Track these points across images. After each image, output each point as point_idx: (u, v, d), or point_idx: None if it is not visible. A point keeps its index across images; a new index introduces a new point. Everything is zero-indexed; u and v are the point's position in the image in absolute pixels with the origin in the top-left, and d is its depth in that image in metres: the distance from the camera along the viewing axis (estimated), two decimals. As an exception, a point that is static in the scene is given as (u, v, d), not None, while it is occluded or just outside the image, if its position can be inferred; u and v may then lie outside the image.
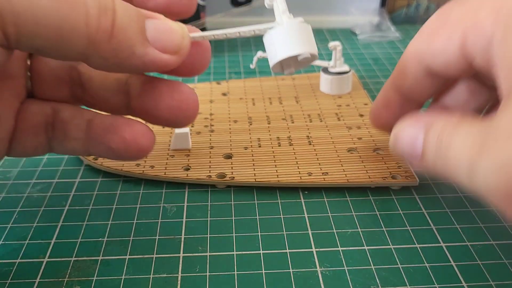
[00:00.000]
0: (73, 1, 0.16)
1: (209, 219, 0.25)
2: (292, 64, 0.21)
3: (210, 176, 0.27)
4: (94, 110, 0.22)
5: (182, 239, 0.24)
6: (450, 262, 0.22)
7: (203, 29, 0.46)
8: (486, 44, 0.19)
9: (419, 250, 0.23)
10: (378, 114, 0.27)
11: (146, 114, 0.21)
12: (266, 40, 0.20)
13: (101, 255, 0.23)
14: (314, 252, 0.23)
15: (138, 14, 0.18)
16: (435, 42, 0.22)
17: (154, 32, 0.18)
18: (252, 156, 0.29)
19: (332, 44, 0.36)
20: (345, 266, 0.22)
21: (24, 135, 0.22)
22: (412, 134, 0.21)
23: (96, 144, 0.21)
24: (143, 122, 0.21)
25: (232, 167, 0.28)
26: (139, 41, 0.18)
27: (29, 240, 0.24)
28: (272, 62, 0.20)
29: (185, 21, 0.20)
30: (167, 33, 0.18)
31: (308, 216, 0.25)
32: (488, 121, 0.17)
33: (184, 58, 0.19)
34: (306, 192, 0.27)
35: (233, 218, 0.25)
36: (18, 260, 0.22)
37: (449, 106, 0.25)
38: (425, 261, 0.22)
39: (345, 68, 0.36)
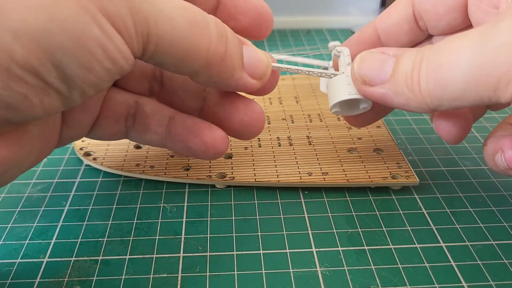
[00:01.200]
0: (202, 27, 0.18)
1: (209, 219, 0.25)
2: (346, 109, 0.24)
3: (210, 176, 0.27)
4: (172, 108, 0.24)
5: (182, 239, 0.24)
6: (450, 262, 0.22)
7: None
8: None
9: (419, 250, 0.23)
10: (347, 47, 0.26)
11: (217, 121, 0.23)
12: (330, 83, 0.24)
13: (101, 255, 0.23)
14: (314, 252, 0.23)
15: (239, 41, 0.20)
16: None
17: (248, 59, 0.21)
18: (252, 156, 0.29)
19: (332, 44, 0.36)
20: (345, 266, 0.22)
21: (106, 122, 0.24)
22: (381, 58, 0.21)
23: (175, 141, 0.23)
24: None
25: (232, 167, 0.28)
26: (239, 66, 0.20)
27: (29, 240, 0.24)
28: (334, 101, 0.23)
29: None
30: (257, 61, 0.21)
31: (308, 216, 0.25)
32: (485, 28, 0.18)
33: (265, 83, 0.22)
34: (306, 192, 0.27)
35: (233, 218, 0.25)
36: (18, 260, 0.22)
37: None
38: (425, 261, 0.22)
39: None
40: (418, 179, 0.27)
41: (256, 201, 0.26)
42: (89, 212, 0.26)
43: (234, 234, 0.24)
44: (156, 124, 0.23)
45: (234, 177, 0.27)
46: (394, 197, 0.27)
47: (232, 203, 0.26)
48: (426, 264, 0.22)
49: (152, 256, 0.23)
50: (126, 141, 0.30)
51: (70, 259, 0.23)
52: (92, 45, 0.15)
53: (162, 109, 0.24)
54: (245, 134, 0.24)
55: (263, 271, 0.22)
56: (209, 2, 0.23)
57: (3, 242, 0.23)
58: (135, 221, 0.25)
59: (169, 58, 0.18)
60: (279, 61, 0.42)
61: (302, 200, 0.26)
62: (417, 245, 0.23)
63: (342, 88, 0.23)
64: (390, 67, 0.21)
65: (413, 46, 0.25)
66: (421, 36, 0.25)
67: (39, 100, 0.16)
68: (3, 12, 0.14)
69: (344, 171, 0.27)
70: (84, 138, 0.30)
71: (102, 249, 0.23)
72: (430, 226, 0.24)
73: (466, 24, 0.24)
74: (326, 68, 0.37)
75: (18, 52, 0.15)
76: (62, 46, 0.15)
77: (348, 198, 0.26)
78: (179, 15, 0.18)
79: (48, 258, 0.23)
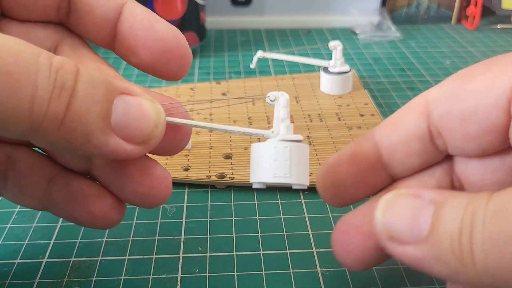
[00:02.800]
0: (18, 81, 0.13)
1: (209, 219, 0.25)
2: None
3: (210, 176, 0.27)
4: (56, 164, 0.19)
5: (182, 239, 0.24)
6: (451, 263, 0.22)
7: (201, 32, 0.46)
8: None
9: (420, 251, 0.23)
10: (334, 169, 0.20)
11: (108, 188, 0.19)
12: (253, 150, 0.18)
13: (100, 256, 0.23)
14: (314, 252, 0.23)
15: (106, 92, 0.15)
16: (471, 81, 0.17)
17: (121, 116, 0.15)
18: (252, 156, 0.29)
19: (332, 43, 0.35)
20: (345, 266, 0.22)
21: None
22: (415, 205, 0.16)
23: (57, 209, 0.19)
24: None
25: (232, 167, 0.28)
26: (98, 129, 0.15)
27: (28, 240, 0.24)
28: (253, 179, 0.18)
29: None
30: (137, 119, 0.16)
31: (308, 216, 0.25)
32: None
33: (153, 148, 0.16)
34: (306, 192, 0.27)
35: (233, 218, 0.25)
36: (18, 261, 0.22)
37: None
38: (425, 262, 0.22)
39: (346, 68, 0.36)
40: (418, 179, 0.26)
41: (256, 201, 0.26)
42: (88, 212, 0.25)
43: (234, 234, 0.24)
44: (34, 186, 0.19)
45: (234, 177, 0.27)
46: (394, 197, 0.26)
47: (232, 203, 0.26)
48: (427, 265, 0.22)
49: (151, 256, 0.23)
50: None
51: (69, 259, 0.22)
52: None
53: (41, 168, 0.19)
54: (143, 205, 0.19)
55: (263, 272, 0.22)
56: (104, 32, 0.18)
57: (3, 243, 0.23)
58: (134, 222, 0.25)
59: None
60: (279, 61, 0.42)
61: (302, 200, 0.26)
62: (417, 246, 0.23)
63: (267, 162, 0.18)
64: (428, 219, 0.15)
65: (427, 167, 0.19)
66: (437, 157, 0.19)
67: None
68: None
69: (344, 171, 0.27)
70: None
71: (102, 250, 0.23)
72: (431, 226, 0.24)
73: (504, 146, 0.17)
74: (326, 68, 0.37)
75: None
76: None
77: (348, 198, 0.26)
78: None
79: (47, 258, 0.23)
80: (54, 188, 0.19)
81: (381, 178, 0.19)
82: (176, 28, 0.18)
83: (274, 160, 0.18)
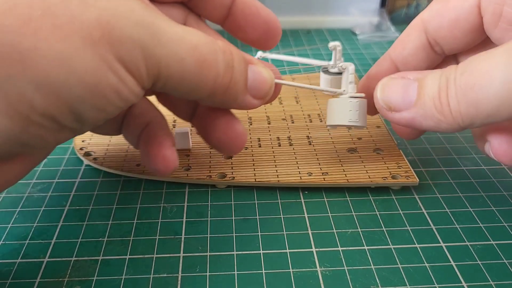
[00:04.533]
0: (210, 65, 0.19)
1: (209, 219, 0.25)
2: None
3: (210, 176, 0.27)
4: (156, 113, 0.24)
5: (182, 239, 0.24)
6: (450, 262, 0.22)
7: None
8: None
9: (419, 250, 0.23)
10: (367, 84, 0.27)
11: (201, 133, 0.24)
12: (333, 102, 0.25)
13: (101, 255, 0.23)
14: (314, 252, 0.23)
15: (245, 65, 0.21)
16: (449, 1, 0.24)
17: (252, 82, 0.21)
18: (252, 156, 0.29)
19: (332, 44, 0.35)
20: (345, 266, 0.22)
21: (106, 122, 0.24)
22: (404, 82, 0.22)
23: (140, 147, 0.23)
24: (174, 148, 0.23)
25: (232, 167, 0.28)
26: (242, 91, 0.21)
27: (29, 240, 0.24)
28: (334, 122, 0.25)
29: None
30: (261, 83, 0.21)
31: (308, 216, 0.25)
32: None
33: (267, 101, 0.22)
34: (306, 192, 0.27)
35: (233, 218, 0.25)
36: (19, 260, 0.22)
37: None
38: (425, 261, 0.22)
39: (345, 68, 0.36)
40: (418, 179, 0.27)
41: (256, 201, 0.26)
42: (89, 212, 0.26)
43: (234, 234, 0.24)
44: (136, 126, 0.23)
45: (234, 177, 0.27)
46: (394, 197, 0.27)
47: (232, 203, 0.26)
48: (426, 264, 0.22)
49: (152, 256, 0.23)
50: (126, 141, 0.30)
51: (70, 259, 0.23)
52: (108, 92, 0.17)
53: (146, 113, 0.24)
54: (222, 151, 0.24)
55: (263, 271, 0.22)
56: (219, 13, 0.23)
57: (4, 242, 0.23)
58: (135, 221, 0.25)
59: (176, 91, 0.19)
60: (279, 62, 0.42)
61: (302, 200, 0.26)
62: (417, 245, 0.23)
63: (343, 112, 0.24)
64: (414, 91, 0.21)
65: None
66: (438, 59, 0.26)
67: (54, 137, 0.17)
68: (26, 65, 0.15)
69: (344, 171, 0.27)
70: (84, 138, 0.30)
71: (102, 249, 0.23)
72: (430, 226, 0.24)
73: (482, 38, 0.24)
74: (326, 68, 0.37)
75: (38, 103, 0.15)
76: (80, 96, 0.16)
77: (348, 198, 0.26)
78: (190, 55, 0.18)
79: (48, 258, 0.23)
80: (145, 130, 0.23)
81: None
82: (273, 13, 0.24)
83: (349, 110, 0.24)
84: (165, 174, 0.23)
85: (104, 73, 0.16)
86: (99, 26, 0.16)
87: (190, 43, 0.18)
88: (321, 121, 0.33)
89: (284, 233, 0.24)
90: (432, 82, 0.21)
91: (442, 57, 0.26)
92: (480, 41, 0.25)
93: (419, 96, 0.21)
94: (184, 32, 0.18)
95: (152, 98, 0.25)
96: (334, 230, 0.24)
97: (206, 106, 0.24)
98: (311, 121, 0.33)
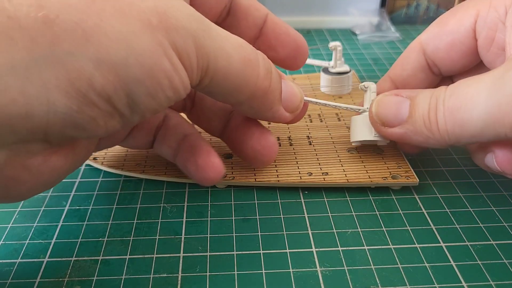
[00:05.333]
0: (253, 64, 0.20)
1: (209, 219, 0.25)
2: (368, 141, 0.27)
3: (210, 176, 0.27)
4: (191, 125, 0.25)
5: (182, 239, 0.24)
6: (450, 262, 0.22)
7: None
8: (497, 17, 0.23)
9: (419, 250, 0.23)
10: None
11: (232, 144, 0.25)
12: (357, 119, 0.27)
13: (101, 255, 0.23)
14: (314, 252, 0.23)
15: (279, 76, 0.22)
16: (447, 25, 0.25)
17: (285, 94, 0.22)
18: (252, 156, 0.29)
19: (332, 44, 0.36)
20: (345, 266, 0.22)
21: (139, 133, 0.25)
22: (397, 100, 0.23)
23: (179, 158, 0.24)
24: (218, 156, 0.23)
25: (232, 167, 0.28)
26: (278, 100, 0.22)
27: (29, 240, 0.24)
28: (359, 138, 0.27)
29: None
30: (292, 96, 0.23)
31: (308, 216, 0.25)
32: (497, 73, 0.20)
33: (296, 117, 0.24)
34: (306, 192, 0.27)
35: (233, 218, 0.25)
36: (19, 260, 0.22)
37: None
38: (425, 261, 0.22)
39: (345, 68, 0.36)
40: (418, 179, 0.27)
41: (256, 201, 0.26)
42: (89, 212, 0.26)
43: (234, 234, 0.24)
44: (172, 138, 0.25)
45: (234, 177, 0.27)
46: (394, 197, 0.27)
47: (232, 203, 0.26)
48: (426, 264, 0.22)
49: (152, 256, 0.23)
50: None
51: (70, 259, 0.23)
52: (161, 77, 0.17)
53: (181, 125, 0.25)
54: (255, 161, 0.25)
55: (263, 271, 0.22)
56: (251, 33, 0.24)
57: (4, 242, 0.23)
58: (135, 221, 0.25)
59: (220, 89, 0.20)
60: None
61: (302, 200, 0.26)
62: (417, 245, 0.23)
63: (367, 127, 0.26)
64: (406, 108, 0.23)
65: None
66: (436, 80, 0.27)
67: (104, 122, 0.17)
68: (89, 41, 0.15)
69: (344, 171, 0.27)
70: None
71: (102, 249, 0.23)
72: (430, 226, 0.24)
73: (478, 61, 0.26)
74: (326, 68, 0.37)
75: (97, 80, 0.16)
76: (136, 77, 0.16)
77: (348, 198, 0.26)
78: (236, 52, 0.19)
79: (48, 258, 0.23)
80: (184, 141, 0.24)
81: None
82: (299, 33, 0.25)
83: (368, 124, 0.26)
84: (214, 182, 0.24)
85: (160, 56, 0.17)
86: (157, 14, 0.17)
87: (236, 41, 0.19)
88: (321, 121, 0.33)
89: (284, 233, 0.24)
90: (423, 101, 0.22)
91: (439, 78, 0.27)
92: (476, 63, 0.26)
93: (411, 114, 0.23)
94: (228, 32, 0.19)
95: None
96: (334, 230, 0.24)
97: (239, 119, 0.25)
98: (311, 121, 0.33)
